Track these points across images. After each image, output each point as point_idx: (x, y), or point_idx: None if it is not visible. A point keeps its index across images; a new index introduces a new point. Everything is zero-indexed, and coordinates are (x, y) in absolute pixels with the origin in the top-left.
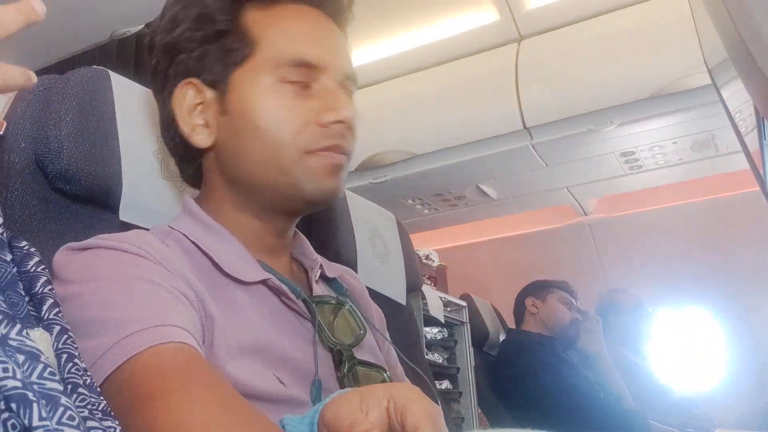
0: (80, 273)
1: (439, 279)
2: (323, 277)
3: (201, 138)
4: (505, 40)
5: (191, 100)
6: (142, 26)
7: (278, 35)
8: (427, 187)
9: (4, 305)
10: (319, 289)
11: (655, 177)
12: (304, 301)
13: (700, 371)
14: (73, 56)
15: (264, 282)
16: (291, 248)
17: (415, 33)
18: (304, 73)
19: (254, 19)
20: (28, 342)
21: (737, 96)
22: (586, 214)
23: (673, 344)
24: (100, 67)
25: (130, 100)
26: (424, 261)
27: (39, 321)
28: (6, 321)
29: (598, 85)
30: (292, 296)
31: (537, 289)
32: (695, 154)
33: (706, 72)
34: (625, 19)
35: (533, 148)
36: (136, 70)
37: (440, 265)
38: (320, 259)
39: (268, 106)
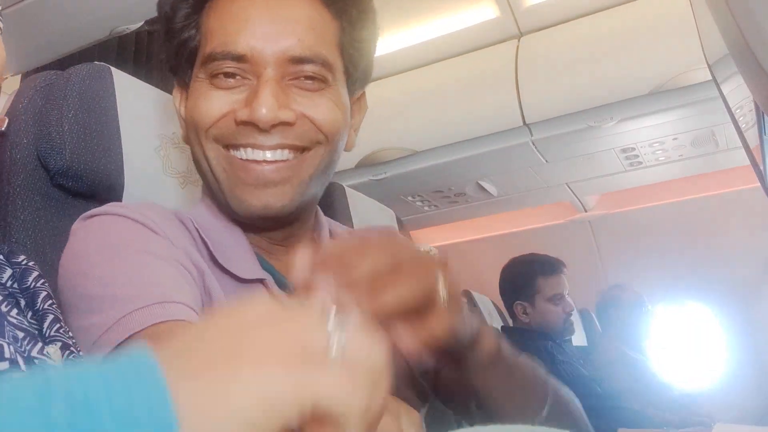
0: (87, 243)
1: None
2: None
3: (183, 134)
4: (504, 36)
5: (178, 102)
6: (141, 23)
7: (215, 26)
8: (427, 184)
9: (26, 322)
10: None
11: (656, 173)
12: None
13: (700, 367)
14: (72, 54)
15: (262, 281)
16: (310, 233)
17: (414, 30)
18: (235, 65)
19: (208, 11)
20: (49, 361)
21: (737, 92)
22: (586, 211)
23: (673, 340)
24: (102, 63)
25: (132, 96)
26: None
27: (41, 337)
28: (29, 339)
29: (598, 82)
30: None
31: (521, 290)
32: (695, 150)
33: (707, 68)
34: (625, 15)
35: (533, 144)
36: (135, 68)
37: None
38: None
39: (194, 100)
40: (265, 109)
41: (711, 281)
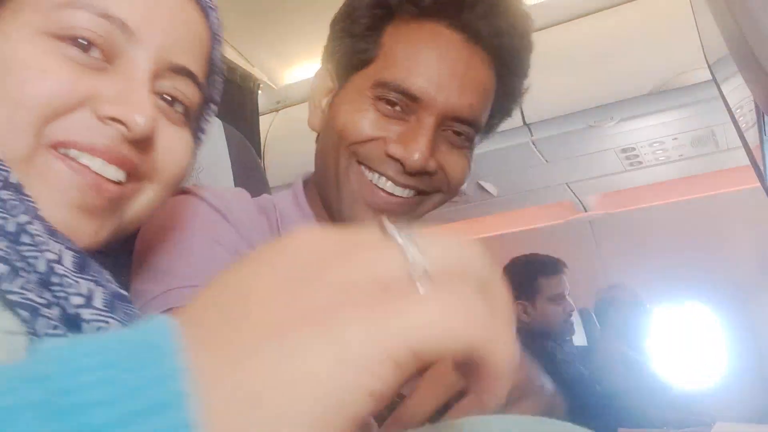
0: (166, 217)
1: None
2: None
3: (312, 119)
4: None
5: (326, 84)
6: None
7: (397, 53)
8: None
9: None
10: None
11: (656, 173)
12: None
13: (700, 367)
14: None
15: None
16: None
17: None
18: (404, 101)
19: (390, 32)
20: None
21: (738, 92)
22: (586, 211)
23: (673, 340)
24: None
25: None
26: None
27: None
28: None
29: (598, 81)
30: None
31: (522, 289)
32: (695, 150)
33: (707, 68)
34: (625, 15)
35: (533, 144)
36: None
37: None
38: None
39: (350, 111)
40: (419, 155)
41: (711, 281)
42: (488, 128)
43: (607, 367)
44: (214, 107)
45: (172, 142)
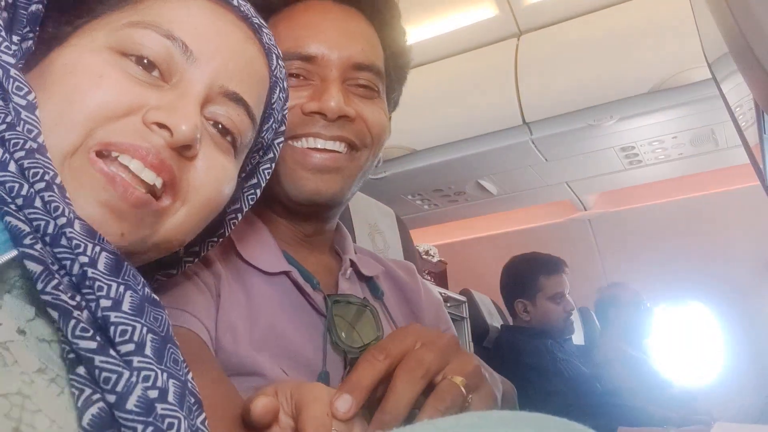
0: None
1: (439, 274)
2: (362, 276)
3: None
4: (504, 35)
5: None
6: None
7: (285, 31)
8: (427, 183)
9: None
10: (347, 286)
11: (655, 172)
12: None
13: (700, 365)
14: None
15: (287, 274)
16: (331, 242)
17: (414, 29)
18: (302, 66)
19: (275, 21)
20: None
21: (737, 90)
22: (585, 209)
23: (673, 338)
24: None
25: None
26: (424, 256)
27: None
28: None
29: (597, 80)
30: (310, 291)
31: (523, 288)
32: (695, 148)
33: (706, 66)
34: (625, 14)
35: (533, 143)
36: None
37: (440, 260)
38: (365, 256)
39: None
40: (334, 102)
41: (710, 279)
42: (390, 90)
43: (608, 366)
44: (273, 158)
45: (213, 166)
